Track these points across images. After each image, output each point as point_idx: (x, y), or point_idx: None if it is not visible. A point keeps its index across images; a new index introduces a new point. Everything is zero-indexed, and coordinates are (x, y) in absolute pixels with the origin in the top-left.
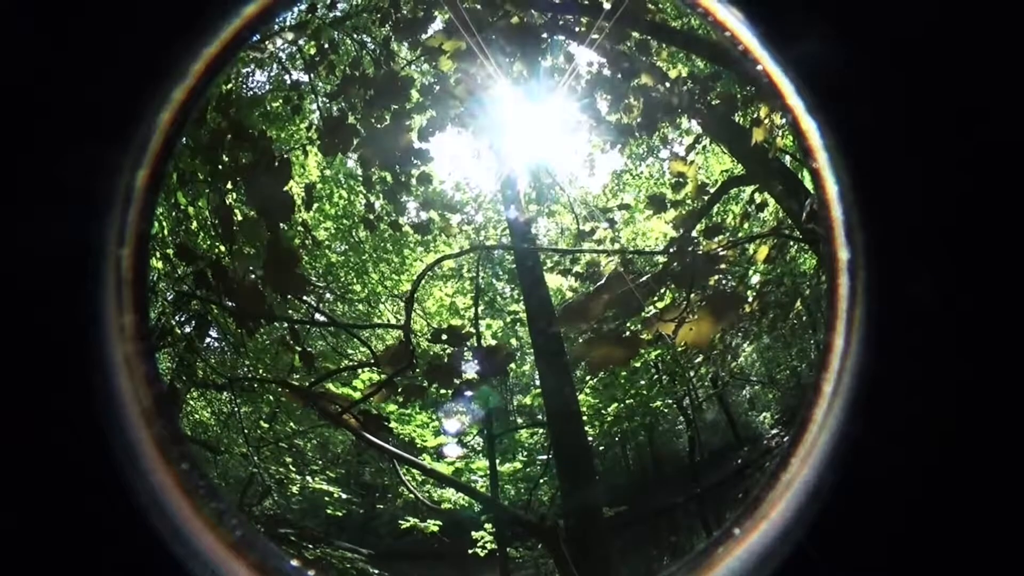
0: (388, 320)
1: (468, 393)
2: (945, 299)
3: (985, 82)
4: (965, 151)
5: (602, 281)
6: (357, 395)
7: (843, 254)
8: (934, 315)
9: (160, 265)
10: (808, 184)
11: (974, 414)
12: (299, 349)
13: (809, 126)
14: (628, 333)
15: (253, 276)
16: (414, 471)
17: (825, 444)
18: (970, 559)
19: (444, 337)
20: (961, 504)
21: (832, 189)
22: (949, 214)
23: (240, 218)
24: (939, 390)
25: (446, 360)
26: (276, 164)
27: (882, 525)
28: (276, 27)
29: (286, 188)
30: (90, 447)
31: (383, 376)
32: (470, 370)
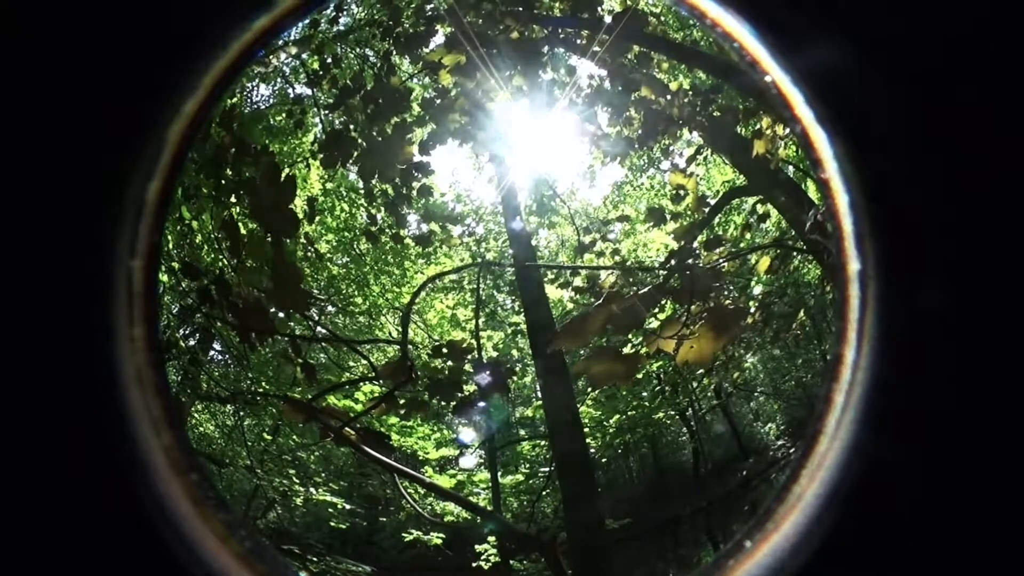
0: (389, 332)
1: (482, 404)
2: (958, 309)
3: (1000, 90)
4: (979, 160)
5: (601, 299)
6: (359, 407)
7: (854, 265)
8: (947, 326)
9: (165, 278)
10: (811, 194)
11: (989, 426)
12: (300, 362)
13: (819, 136)
14: (629, 348)
15: (257, 292)
16: (416, 484)
17: (836, 456)
18: (984, 572)
19: (444, 351)
20: (976, 517)
21: (842, 200)
22: (962, 223)
23: (245, 233)
24: (953, 402)
25: (447, 374)
26: (282, 179)
27: (895, 538)
28: (280, 41)
29: (291, 204)
30: (100, 457)
31: (384, 390)
32: (474, 383)
